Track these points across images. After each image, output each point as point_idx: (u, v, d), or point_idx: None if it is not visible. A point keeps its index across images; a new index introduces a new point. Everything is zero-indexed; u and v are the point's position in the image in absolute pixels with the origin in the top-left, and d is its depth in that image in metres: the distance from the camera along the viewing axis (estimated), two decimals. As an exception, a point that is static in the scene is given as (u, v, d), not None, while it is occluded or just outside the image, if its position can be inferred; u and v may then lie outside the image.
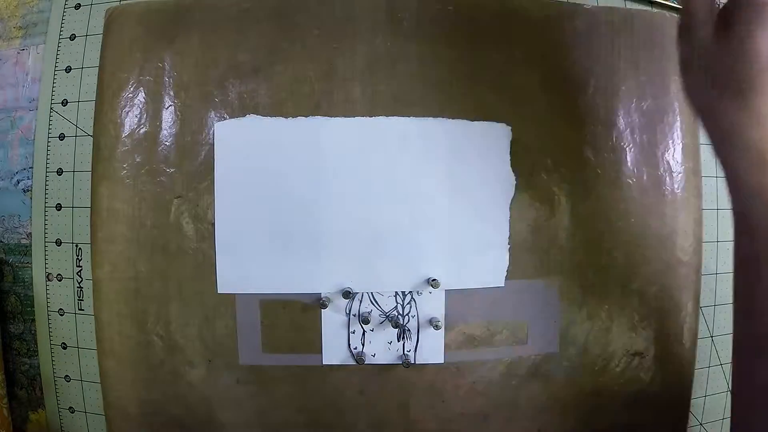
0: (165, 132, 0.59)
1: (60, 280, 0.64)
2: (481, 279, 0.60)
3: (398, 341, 0.60)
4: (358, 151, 0.58)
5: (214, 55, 0.59)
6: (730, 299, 0.71)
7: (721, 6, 0.37)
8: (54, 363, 0.65)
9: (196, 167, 0.58)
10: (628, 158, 0.61)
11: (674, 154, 0.62)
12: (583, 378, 0.62)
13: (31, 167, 0.65)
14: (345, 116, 0.58)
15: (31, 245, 0.65)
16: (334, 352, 0.59)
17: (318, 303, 0.58)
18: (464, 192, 0.59)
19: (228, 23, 0.60)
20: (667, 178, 0.62)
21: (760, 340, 0.41)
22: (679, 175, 0.62)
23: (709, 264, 0.67)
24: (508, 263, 0.60)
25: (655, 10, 0.68)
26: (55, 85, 0.65)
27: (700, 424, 0.70)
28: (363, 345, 0.59)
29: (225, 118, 0.59)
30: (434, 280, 0.58)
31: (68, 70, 0.64)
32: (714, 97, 0.35)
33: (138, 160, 0.59)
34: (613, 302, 0.61)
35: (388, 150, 0.59)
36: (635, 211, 0.61)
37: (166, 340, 0.59)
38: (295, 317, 0.59)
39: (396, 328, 0.60)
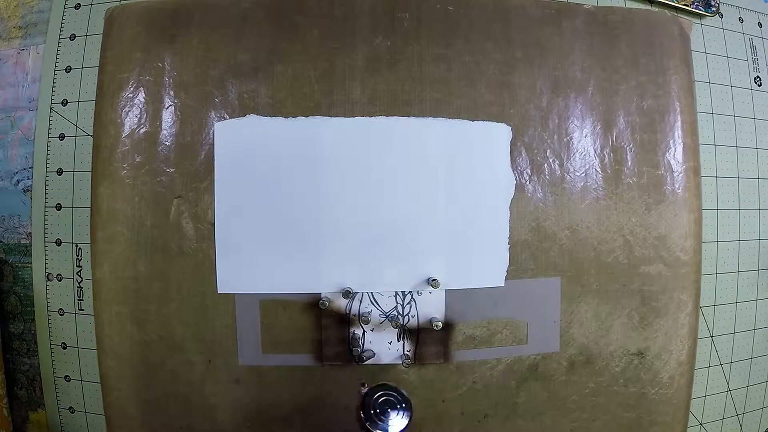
0: (165, 132, 0.59)
1: (60, 280, 0.64)
2: (481, 279, 0.60)
3: (398, 341, 0.60)
4: (357, 151, 0.58)
5: (214, 55, 0.59)
6: (730, 299, 0.71)
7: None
8: (54, 363, 0.65)
9: (196, 167, 0.58)
10: (628, 158, 0.61)
11: (674, 154, 0.62)
12: (583, 378, 0.62)
13: (31, 167, 0.65)
14: (345, 116, 0.58)
15: (31, 245, 0.65)
16: (333, 352, 0.59)
17: (318, 303, 0.58)
18: (464, 192, 0.59)
19: (228, 23, 0.60)
20: (668, 178, 0.62)
21: None
22: (679, 175, 0.62)
23: (709, 264, 0.67)
24: (508, 263, 0.60)
25: (655, 9, 0.68)
26: (55, 85, 0.65)
27: (700, 424, 0.70)
28: (363, 345, 0.59)
29: (225, 118, 0.59)
30: (434, 280, 0.58)
31: (68, 70, 0.64)
32: None
33: (138, 160, 0.59)
34: (613, 302, 0.61)
35: (388, 150, 0.59)
36: (635, 211, 0.61)
37: (166, 340, 0.59)
38: (295, 317, 0.59)
39: (396, 328, 0.60)
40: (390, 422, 0.46)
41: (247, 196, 0.58)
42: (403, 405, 0.47)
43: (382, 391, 0.47)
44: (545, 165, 0.60)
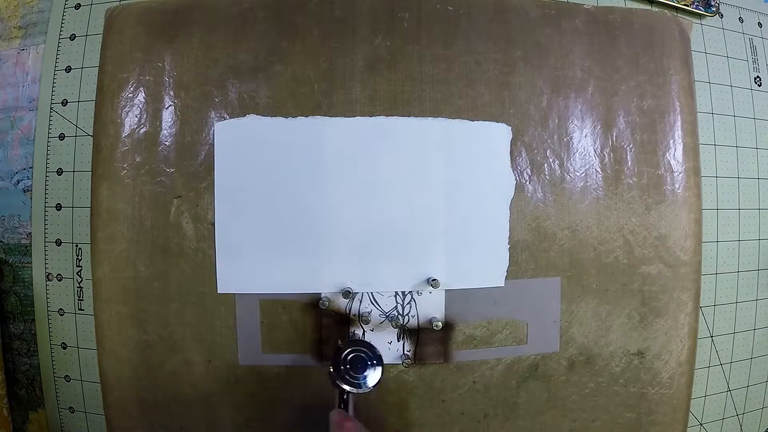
0: (165, 132, 0.59)
1: (60, 280, 0.64)
2: (481, 279, 0.60)
3: (398, 341, 0.60)
4: (357, 151, 0.58)
5: (214, 55, 0.59)
6: (730, 299, 0.72)
7: None
8: (54, 363, 0.65)
9: (196, 167, 0.58)
10: (628, 158, 0.61)
11: (674, 154, 0.62)
12: (583, 378, 0.62)
13: (31, 167, 0.65)
14: (345, 116, 0.58)
15: (31, 245, 0.65)
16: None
17: (318, 303, 0.58)
18: (464, 192, 0.59)
19: (228, 23, 0.60)
20: (668, 178, 0.62)
21: None
22: (680, 175, 0.62)
23: (709, 264, 0.67)
24: (508, 263, 0.60)
25: (655, 9, 0.68)
26: (55, 85, 0.65)
27: (700, 424, 0.70)
28: (363, 345, 0.59)
29: (225, 118, 0.59)
30: (434, 280, 0.58)
31: (68, 70, 0.64)
32: None
33: (138, 160, 0.59)
34: (613, 302, 0.61)
35: (388, 150, 0.59)
36: (635, 211, 0.61)
37: (166, 340, 0.59)
38: (294, 317, 0.59)
39: (396, 328, 0.60)
40: (365, 377, 0.48)
41: (247, 196, 0.58)
42: (374, 361, 0.49)
43: (352, 347, 0.49)
44: (545, 165, 0.60)
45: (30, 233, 0.65)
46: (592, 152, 0.61)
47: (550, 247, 0.60)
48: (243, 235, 0.58)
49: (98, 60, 0.61)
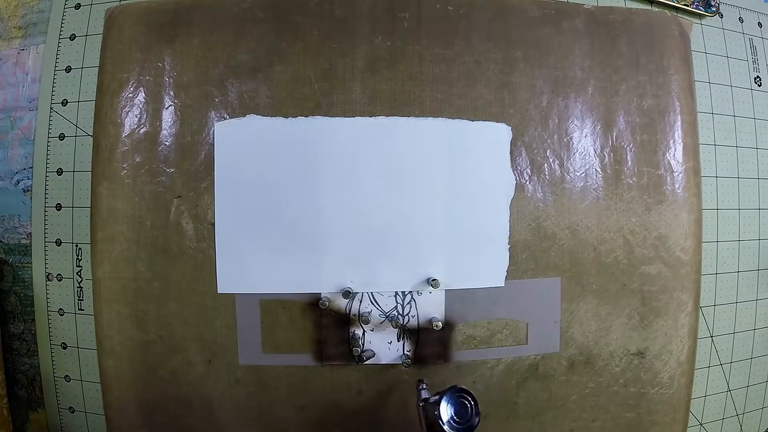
0: (165, 132, 0.59)
1: (60, 280, 0.64)
2: (481, 279, 0.60)
3: (398, 341, 0.60)
4: (357, 151, 0.58)
5: (214, 55, 0.59)
6: (730, 299, 0.72)
7: None
8: (54, 363, 0.65)
9: (196, 167, 0.58)
10: (628, 158, 0.61)
11: (674, 154, 0.62)
12: (583, 378, 0.62)
13: (31, 167, 0.65)
14: (345, 116, 0.58)
15: (31, 245, 0.65)
16: (333, 352, 0.59)
17: (318, 303, 0.58)
18: (464, 192, 0.59)
19: (228, 23, 0.60)
20: (668, 178, 0.62)
21: None
22: (680, 175, 0.62)
23: (709, 264, 0.67)
24: (508, 263, 0.60)
25: (655, 9, 0.68)
26: (55, 85, 0.65)
27: (700, 424, 0.70)
28: (363, 345, 0.59)
29: (225, 118, 0.59)
30: (434, 280, 0.58)
31: (68, 70, 0.64)
32: None
33: (138, 160, 0.59)
34: (613, 302, 0.61)
35: (388, 150, 0.59)
36: (635, 211, 0.61)
37: (166, 340, 0.59)
38: (294, 317, 0.59)
39: (396, 328, 0.60)
40: (469, 422, 0.47)
41: (247, 196, 0.58)
42: (475, 408, 0.48)
43: (458, 393, 0.48)
44: (545, 165, 0.60)
45: (30, 233, 0.65)
46: (592, 152, 0.61)
47: (550, 247, 0.60)
48: (243, 235, 0.58)
49: (98, 60, 0.61)
